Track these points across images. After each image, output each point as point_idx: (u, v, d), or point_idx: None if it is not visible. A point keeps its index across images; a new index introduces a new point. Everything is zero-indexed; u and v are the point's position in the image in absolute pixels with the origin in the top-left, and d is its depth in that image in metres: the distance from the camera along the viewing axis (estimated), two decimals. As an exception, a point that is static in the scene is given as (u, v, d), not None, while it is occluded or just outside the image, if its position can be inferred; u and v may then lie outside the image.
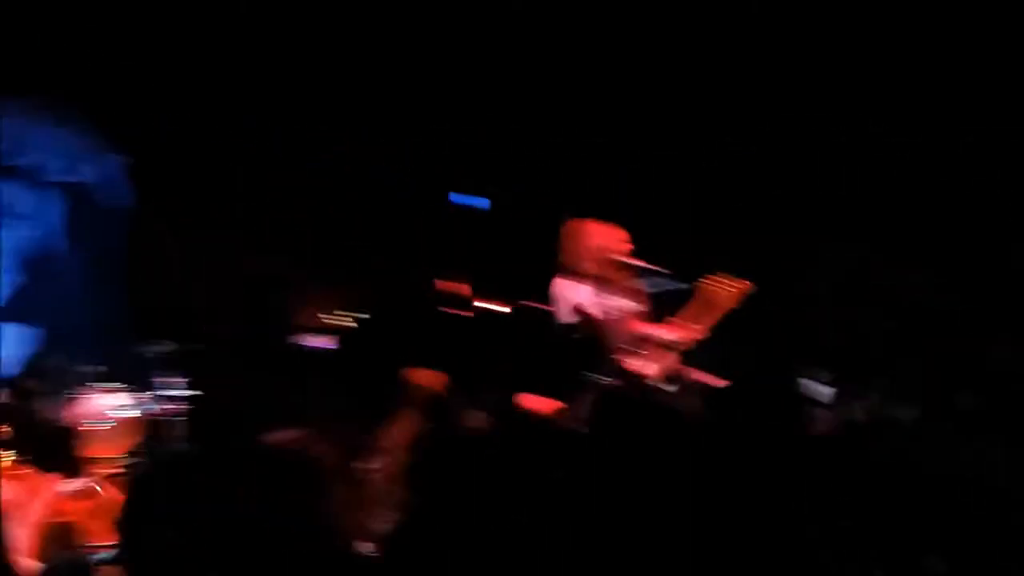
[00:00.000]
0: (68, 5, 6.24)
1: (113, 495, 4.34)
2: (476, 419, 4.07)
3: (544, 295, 4.96)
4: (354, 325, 7.19)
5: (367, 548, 2.81)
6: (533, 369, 5.38)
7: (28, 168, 6.87)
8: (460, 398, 4.42)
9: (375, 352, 6.64)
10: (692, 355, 4.74)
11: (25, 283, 6.72)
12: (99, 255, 6.99)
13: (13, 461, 4.78)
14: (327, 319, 7.20)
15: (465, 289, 7.35)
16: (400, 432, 4.70)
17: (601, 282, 4.88)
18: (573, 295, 4.86)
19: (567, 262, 4.92)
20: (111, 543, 2.96)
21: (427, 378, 4.73)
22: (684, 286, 4.89)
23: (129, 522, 2.87)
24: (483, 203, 7.60)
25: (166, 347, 5.46)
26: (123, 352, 5.61)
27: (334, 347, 7.04)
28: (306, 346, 7.02)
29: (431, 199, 7.69)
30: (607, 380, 4.58)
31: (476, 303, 7.32)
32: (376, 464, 4.72)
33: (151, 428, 5.14)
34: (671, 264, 4.92)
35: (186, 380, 5.40)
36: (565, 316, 4.85)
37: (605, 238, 4.91)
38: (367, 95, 7.12)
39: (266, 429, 3.91)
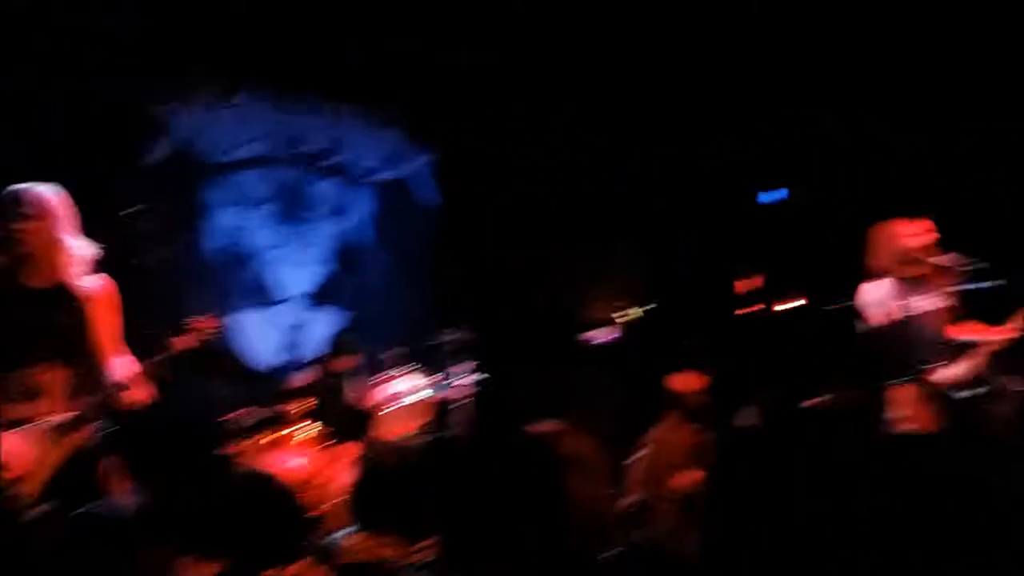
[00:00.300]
0: (386, 19, 6.64)
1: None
2: (748, 418, 3.88)
3: (849, 294, 4.70)
4: (641, 317, 7.11)
5: (610, 546, 2.74)
6: (833, 370, 5.11)
7: (344, 166, 7.41)
8: (731, 398, 4.25)
9: (658, 346, 6.53)
10: (1007, 357, 4.25)
11: (336, 272, 7.24)
12: (406, 248, 7.41)
13: (316, 434, 5.17)
14: (616, 313, 7.17)
15: (762, 286, 7.07)
16: (663, 434, 4.62)
17: (909, 283, 4.53)
18: (878, 297, 4.55)
19: (874, 264, 4.63)
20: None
21: (688, 383, 4.65)
22: (1000, 283, 4.40)
23: (380, 498, 2.98)
24: (782, 194, 7.30)
25: (460, 335, 5.64)
26: (421, 338, 5.88)
27: (618, 339, 7.00)
28: (591, 339, 7.03)
29: (733, 196, 7.48)
30: (911, 383, 4.22)
31: (774, 302, 7.02)
32: (637, 462, 4.65)
33: (441, 411, 5.35)
34: (988, 259, 4.45)
35: (475, 366, 5.56)
36: (870, 318, 4.55)
37: (911, 238, 4.55)
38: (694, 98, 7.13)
39: (538, 419, 3.92)
